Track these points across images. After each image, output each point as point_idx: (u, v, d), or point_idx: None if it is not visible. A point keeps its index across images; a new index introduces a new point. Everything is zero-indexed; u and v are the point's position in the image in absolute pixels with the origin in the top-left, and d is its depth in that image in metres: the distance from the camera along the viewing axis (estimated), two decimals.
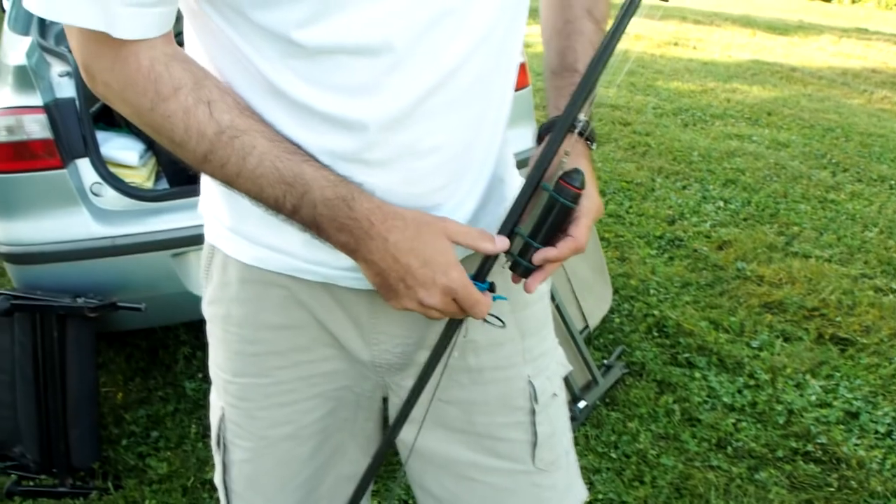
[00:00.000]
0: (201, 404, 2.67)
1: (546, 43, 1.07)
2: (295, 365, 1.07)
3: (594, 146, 0.97)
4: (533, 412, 1.12)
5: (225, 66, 0.87)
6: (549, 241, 0.89)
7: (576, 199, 0.87)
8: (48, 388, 2.28)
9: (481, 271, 0.91)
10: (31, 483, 2.34)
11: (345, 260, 0.95)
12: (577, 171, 0.87)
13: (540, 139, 0.97)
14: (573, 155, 0.90)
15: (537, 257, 0.89)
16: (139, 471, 2.40)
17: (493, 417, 1.12)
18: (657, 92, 6.82)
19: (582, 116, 0.88)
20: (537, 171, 0.89)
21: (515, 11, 0.92)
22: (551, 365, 1.18)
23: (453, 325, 0.95)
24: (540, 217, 0.88)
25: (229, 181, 0.85)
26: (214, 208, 1.04)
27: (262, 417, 1.11)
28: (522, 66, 2.69)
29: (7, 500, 2.28)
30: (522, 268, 0.90)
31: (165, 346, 2.99)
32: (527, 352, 1.12)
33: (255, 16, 0.79)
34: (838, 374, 2.84)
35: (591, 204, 0.90)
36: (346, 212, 0.84)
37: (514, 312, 1.09)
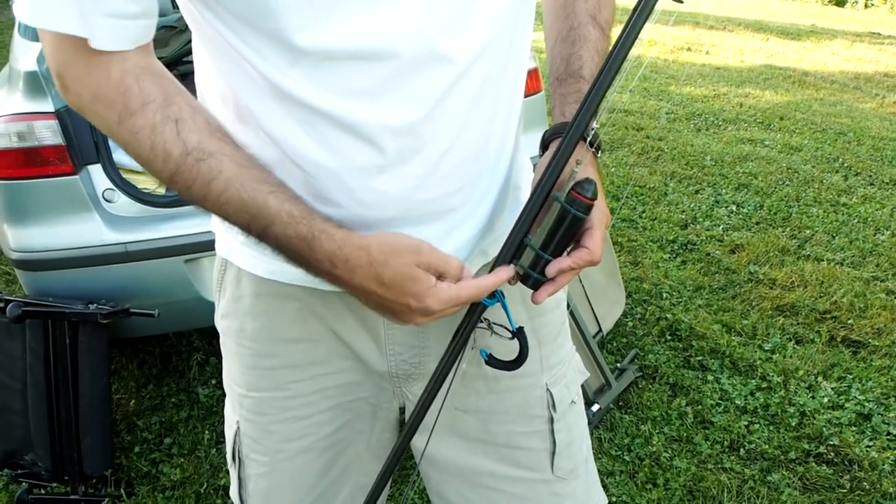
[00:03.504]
0: (215, 410, 2.68)
1: (550, 50, 1.05)
2: (311, 378, 1.07)
3: (600, 154, 0.95)
4: (551, 420, 1.11)
5: (231, 73, 0.85)
6: (560, 252, 0.88)
7: (588, 209, 0.85)
8: (60, 396, 2.27)
9: None
10: (43, 491, 2.34)
11: None
12: (589, 181, 0.85)
13: (544, 146, 0.96)
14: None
15: (552, 269, 0.88)
16: (152, 478, 2.41)
17: (511, 426, 1.11)
18: (670, 97, 6.80)
19: (594, 125, 0.87)
20: (548, 180, 0.87)
21: (521, 13, 0.91)
22: (569, 372, 1.17)
23: (461, 334, 0.93)
24: (551, 228, 0.86)
25: (197, 203, 0.84)
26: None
27: (277, 431, 1.10)
28: (535, 72, 2.68)
29: None
30: (533, 280, 0.89)
31: (179, 353, 3.00)
32: (544, 359, 1.11)
33: (256, 21, 0.78)
34: (850, 377, 2.82)
35: (600, 215, 0.89)
36: (307, 252, 0.83)
37: (530, 320, 1.08)
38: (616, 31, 0.94)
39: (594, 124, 0.87)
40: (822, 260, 3.75)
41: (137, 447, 2.53)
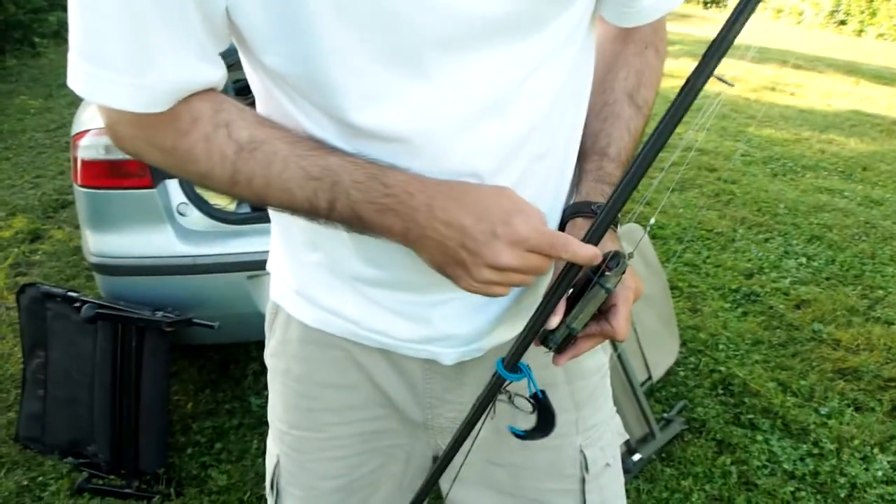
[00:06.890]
0: (265, 421, 2.70)
1: (583, 123, 1.05)
2: (348, 422, 1.12)
3: (619, 228, 0.94)
4: (583, 481, 1.13)
5: None
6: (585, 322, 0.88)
7: (613, 285, 0.85)
8: (123, 394, 2.41)
9: (514, 354, 0.89)
10: (101, 482, 2.46)
11: (401, 330, 0.99)
12: (616, 255, 0.84)
13: (563, 224, 0.96)
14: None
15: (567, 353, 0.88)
16: (200, 480, 2.50)
17: (542, 483, 1.13)
18: (748, 138, 6.69)
19: (600, 201, 0.87)
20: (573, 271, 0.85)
21: (576, 93, 0.93)
22: (605, 435, 1.18)
23: (479, 403, 0.94)
24: (579, 302, 0.86)
25: (262, 196, 0.84)
26: (281, 269, 1.09)
27: (313, 469, 1.15)
28: None
29: (77, 496, 2.41)
30: (555, 346, 0.89)
31: (236, 361, 3.10)
32: (580, 422, 1.13)
33: (315, 98, 0.82)
34: None
35: (626, 292, 0.89)
36: (381, 189, 0.79)
37: (568, 383, 1.10)
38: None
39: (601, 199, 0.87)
40: (893, 324, 3.64)
41: (190, 449, 2.63)
